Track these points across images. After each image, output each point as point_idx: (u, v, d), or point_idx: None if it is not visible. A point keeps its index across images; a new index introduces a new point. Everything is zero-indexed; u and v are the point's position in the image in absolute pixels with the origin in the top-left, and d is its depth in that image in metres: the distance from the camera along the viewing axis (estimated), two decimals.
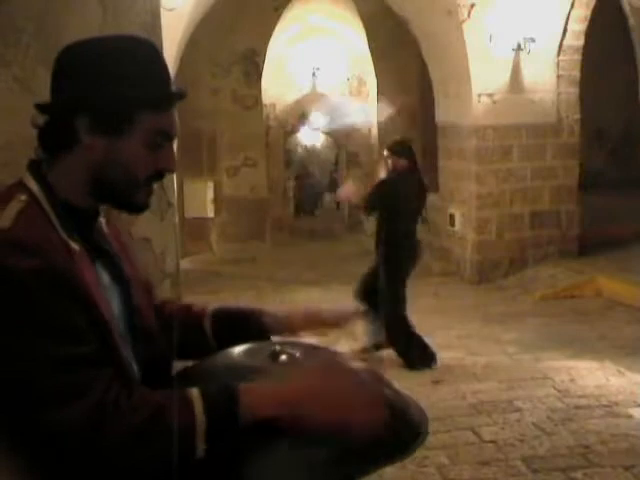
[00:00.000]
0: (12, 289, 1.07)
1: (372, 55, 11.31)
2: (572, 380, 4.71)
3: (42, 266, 1.09)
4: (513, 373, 4.99)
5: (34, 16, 2.05)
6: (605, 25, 9.03)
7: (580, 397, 4.39)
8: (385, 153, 5.51)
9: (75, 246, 1.20)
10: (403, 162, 5.32)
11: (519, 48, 7.87)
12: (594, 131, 10.82)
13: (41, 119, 1.23)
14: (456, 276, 8.56)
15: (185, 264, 8.77)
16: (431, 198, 9.36)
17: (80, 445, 1.07)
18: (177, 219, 3.12)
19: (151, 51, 1.26)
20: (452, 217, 8.66)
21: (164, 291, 2.69)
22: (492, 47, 7.84)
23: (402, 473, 3.37)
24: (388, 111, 6.43)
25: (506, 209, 8.23)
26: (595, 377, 4.76)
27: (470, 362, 5.34)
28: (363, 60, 11.82)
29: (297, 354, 1.30)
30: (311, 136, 12.91)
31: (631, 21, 5.73)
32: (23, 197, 1.18)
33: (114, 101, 1.19)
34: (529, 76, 8.04)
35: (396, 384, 1.34)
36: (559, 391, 4.51)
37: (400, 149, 5.45)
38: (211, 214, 10.89)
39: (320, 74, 12.17)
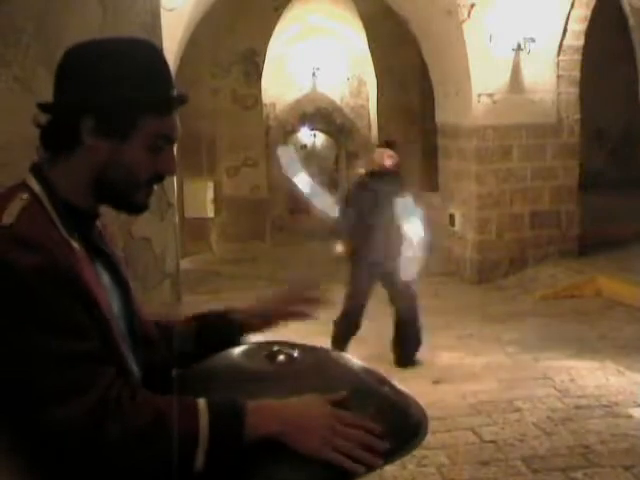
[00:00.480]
0: (15, 285, 1.07)
1: (372, 55, 11.32)
2: (572, 380, 4.71)
3: (45, 262, 1.09)
4: (513, 373, 4.99)
5: (34, 16, 2.05)
6: (605, 25, 9.03)
7: (580, 397, 4.39)
8: (381, 149, 5.50)
9: (76, 245, 1.20)
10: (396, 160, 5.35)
11: (519, 48, 7.87)
12: (594, 131, 10.81)
13: (43, 118, 1.24)
14: (456, 276, 8.56)
15: (185, 264, 8.77)
16: (431, 198, 9.41)
17: (81, 442, 1.07)
18: (177, 219, 3.12)
19: (156, 55, 1.26)
20: (452, 217, 8.66)
21: (164, 291, 2.69)
22: (492, 47, 7.84)
23: (402, 473, 3.37)
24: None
25: (506, 209, 8.23)
26: (595, 377, 4.76)
27: (470, 362, 5.34)
28: (363, 60, 11.82)
29: (295, 354, 1.30)
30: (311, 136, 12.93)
31: (631, 21, 5.73)
32: (25, 195, 1.19)
33: (119, 104, 1.20)
34: (529, 76, 8.04)
35: (396, 383, 1.34)
36: (559, 391, 4.51)
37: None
38: (211, 214, 10.90)
39: (320, 74, 12.17)
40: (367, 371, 1.33)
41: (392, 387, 1.30)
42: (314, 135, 13.14)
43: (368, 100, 12.35)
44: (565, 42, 8.08)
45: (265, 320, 1.55)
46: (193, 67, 9.57)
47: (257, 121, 11.19)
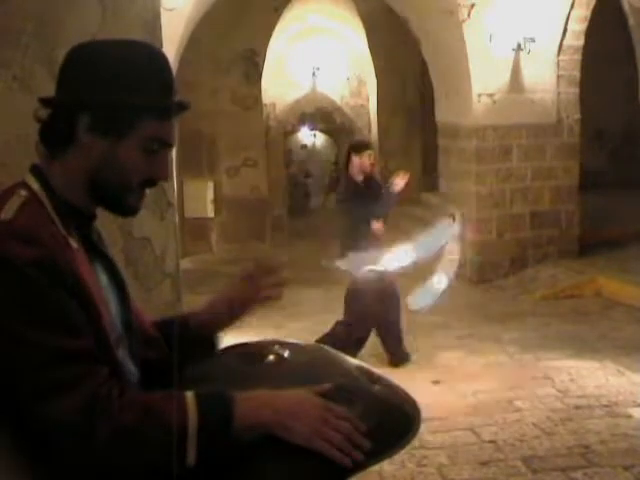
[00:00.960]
0: (12, 279, 1.08)
1: (372, 55, 11.32)
2: (572, 380, 4.70)
3: (43, 257, 1.09)
4: (513, 373, 4.98)
5: (33, 16, 2.05)
6: (605, 25, 9.02)
7: (580, 397, 4.38)
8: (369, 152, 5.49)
9: (74, 244, 1.20)
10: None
11: (519, 48, 7.87)
12: (594, 131, 10.81)
13: (44, 113, 1.24)
14: (456, 276, 8.55)
15: (185, 264, 8.77)
16: (431, 198, 9.40)
17: (72, 439, 1.07)
18: (177, 219, 3.12)
19: (160, 60, 1.27)
20: (452, 217, 8.64)
21: (164, 291, 2.69)
22: (492, 47, 7.84)
23: (402, 472, 3.37)
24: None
25: (506, 209, 8.22)
26: (595, 377, 4.75)
27: (470, 362, 5.34)
28: (363, 60, 11.83)
29: (285, 354, 1.30)
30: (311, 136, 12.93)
31: (631, 21, 5.73)
32: (24, 192, 1.19)
33: (118, 104, 1.21)
34: (529, 76, 8.04)
35: (390, 377, 1.34)
36: (559, 391, 4.51)
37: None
38: (211, 214, 10.90)
39: (320, 74, 12.17)
40: (360, 369, 1.33)
41: (385, 384, 1.30)
42: (314, 135, 13.14)
43: (368, 100, 12.35)
44: (565, 42, 8.08)
45: (232, 313, 1.52)
46: (193, 67, 9.57)
47: (257, 121, 11.19)
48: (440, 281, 5.30)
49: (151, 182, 1.29)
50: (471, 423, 4.02)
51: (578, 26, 8.07)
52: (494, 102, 8.02)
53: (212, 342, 1.49)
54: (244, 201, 11.06)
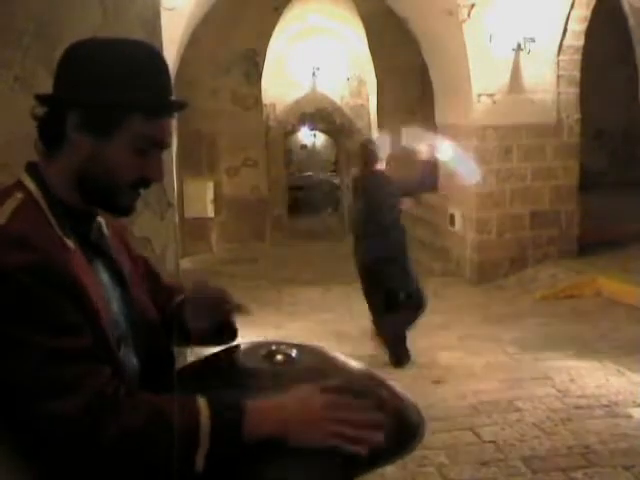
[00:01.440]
0: (6, 284, 1.07)
1: (372, 55, 11.31)
2: (572, 380, 4.70)
3: (37, 261, 1.09)
4: (513, 373, 4.98)
5: (34, 16, 2.05)
6: (605, 25, 9.03)
7: (580, 397, 4.39)
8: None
9: (71, 244, 1.20)
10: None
11: (519, 48, 7.87)
12: (594, 131, 10.81)
13: (40, 111, 1.24)
14: (456, 276, 8.56)
15: (185, 264, 8.77)
16: (431, 198, 9.40)
17: (78, 440, 1.07)
18: (177, 219, 3.12)
19: (154, 58, 1.26)
20: (452, 217, 8.66)
21: None
22: (492, 47, 7.84)
23: (402, 473, 3.37)
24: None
25: (506, 209, 8.23)
26: (595, 377, 4.75)
27: (470, 362, 5.34)
28: (363, 60, 11.82)
29: (293, 354, 1.30)
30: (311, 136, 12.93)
31: (631, 21, 5.72)
32: (20, 195, 1.19)
33: (104, 102, 1.20)
34: (529, 76, 8.04)
35: (395, 384, 1.34)
36: (559, 391, 4.51)
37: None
38: (211, 214, 10.90)
39: (320, 74, 12.17)
40: (365, 373, 1.33)
41: (389, 389, 1.30)
42: (314, 135, 13.14)
43: (368, 100, 12.35)
44: (565, 42, 8.08)
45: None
46: (193, 67, 9.58)
47: (257, 121, 11.19)
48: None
49: (144, 183, 1.27)
50: (471, 423, 4.02)
51: (578, 26, 8.07)
52: (494, 102, 8.02)
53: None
54: (244, 201, 11.07)
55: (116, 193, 1.24)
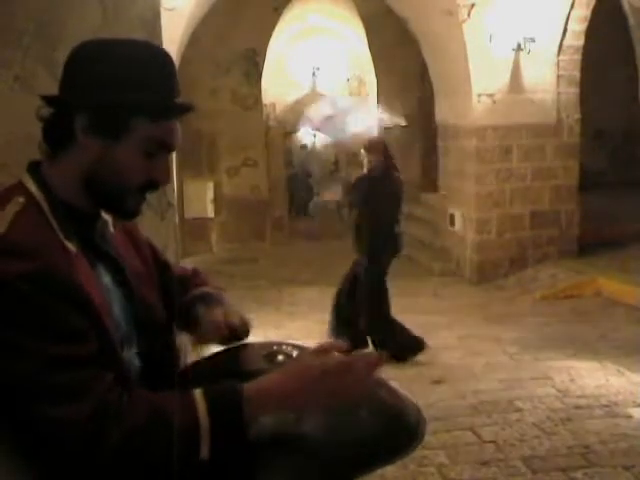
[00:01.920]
0: (8, 293, 1.07)
1: (372, 55, 11.31)
2: (572, 380, 4.70)
3: (37, 269, 1.09)
4: (513, 373, 4.99)
5: (34, 16, 2.06)
6: (605, 25, 9.03)
7: (580, 397, 4.39)
8: (362, 152, 5.66)
9: (72, 247, 1.19)
10: (379, 160, 5.41)
11: (519, 48, 7.87)
12: (594, 131, 10.81)
13: (46, 112, 1.23)
14: (456, 276, 8.56)
15: (185, 264, 8.76)
16: (431, 198, 9.40)
17: (82, 445, 1.07)
18: (177, 219, 3.12)
19: (163, 60, 1.25)
20: (452, 217, 8.65)
21: None
22: (492, 47, 7.84)
23: (402, 472, 3.37)
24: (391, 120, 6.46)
25: (506, 209, 8.23)
26: (595, 377, 4.75)
27: (470, 362, 5.34)
28: (363, 60, 11.82)
29: (294, 354, 1.30)
30: (311, 136, 12.92)
31: (631, 21, 5.72)
32: (21, 199, 1.18)
33: (113, 104, 1.19)
34: (529, 76, 8.04)
35: (395, 384, 1.33)
36: (559, 391, 4.51)
37: (374, 147, 5.55)
38: (211, 214, 10.89)
39: (320, 74, 12.16)
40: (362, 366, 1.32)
41: (389, 390, 1.30)
42: (314, 135, 13.12)
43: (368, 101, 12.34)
44: (565, 42, 8.08)
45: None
46: (193, 67, 9.57)
47: (257, 121, 11.18)
48: None
49: (152, 186, 1.27)
50: (471, 423, 4.02)
51: (578, 26, 8.07)
52: (494, 102, 8.02)
53: None
54: (244, 201, 11.06)
55: (124, 196, 1.24)
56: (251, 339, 1.46)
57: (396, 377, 1.38)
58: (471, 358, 5.45)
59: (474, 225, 8.21)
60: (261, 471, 1.14)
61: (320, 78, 12.19)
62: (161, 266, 1.51)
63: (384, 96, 11.40)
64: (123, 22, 2.36)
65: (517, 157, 8.21)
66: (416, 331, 5.54)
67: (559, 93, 8.21)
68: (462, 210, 8.45)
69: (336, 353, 1.20)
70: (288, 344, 1.35)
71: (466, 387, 4.66)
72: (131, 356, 1.28)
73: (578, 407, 4.21)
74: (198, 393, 1.14)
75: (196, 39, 8.71)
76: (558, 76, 8.16)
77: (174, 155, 1.33)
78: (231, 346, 1.43)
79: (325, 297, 6.90)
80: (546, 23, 7.91)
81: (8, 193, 1.21)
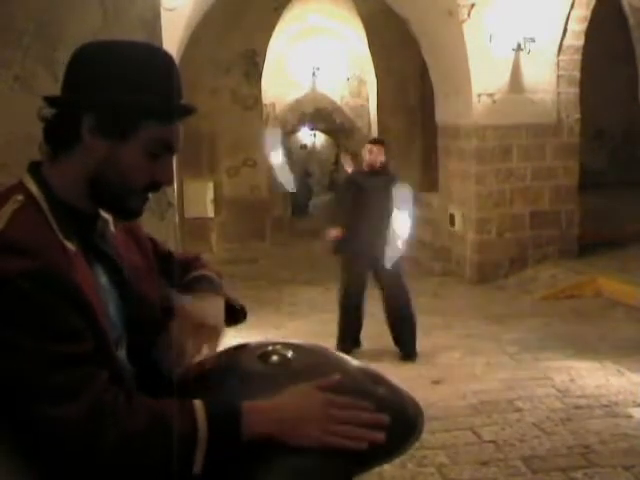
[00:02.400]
0: (6, 291, 1.07)
1: (372, 55, 11.31)
2: (572, 380, 4.71)
3: (35, 267, 1.09)
4: (513, 373, 4.99)
5: (34, 17, 2.06)
6: (605, 25, 9.03)
7: (580, 397, 4.39)
8: (369, 147, 5.60)
9: (71, 247, 1.19)
10: (382, 157, 5.48)
11: (519, 48, 7.87)
12: (594, 131, 10.82)
13: (48, 112, 1.23)
14: (456, 276, 8.56)
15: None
16: (431, 198, 9.40)
17: (78, 445, 1.07)
18: (177, 219, 3.12)
19: (167, 62, 1.26)
20: (452, 217, 8.65)
21: None
22: (492, 47, 7.84)
23: (402, 472, 3.37)
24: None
25: (506, 209, 8.23)
26: (595, 377, 4.75)
27: (470, 362, 5.34)
28: (363, 60, 11.82)
29: (289, 355, 1.30)
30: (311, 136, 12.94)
31: (631, 21, 5.73)
32: (20, 197, 1.18)
33: (122, 106, 1.20)
34: (529, 76, 8.04)
35: (393, 379, 1.33)
36: (559, 391, 4.51)
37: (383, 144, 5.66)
38: (211, 214, 10.89)
39: (320, 74, 12.17)
40: (363, 371, 1.32)
41: (388, 386, 1.30)
42: (314, 135, 13.14)
43: (368, 100, 12.35)
44: (565, 42, 8.08)
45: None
46: (193, 67, 9.57)
47: (257, 121, 11.19)
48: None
49: (154, 186, 1.27)
50: (471, 423, 4.02)
51: (578, 26, 8.07)
52: (494, 102, 8.02)
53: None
54: (244, 201, 11.06)
55: (127, 196, 1.24)
56: (250, 339, 1.46)
57: (396, 377, 1.38)
58: (471, 358, 5.46)
59: (474, 225, 8.20)
60: (260, 468, 1.14)
61: (320, 78, 12.20)
62: (162, 257, 1.51)
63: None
64: (123, 22, 2.36)
65: (517, 157, 8.22)
66: (417, 331, 5.56)
67: (559, 93, 8.21)
68: (462, 210, 8.45)
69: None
70: (283, 344, 1.35)
71: (466, 387, 4.66)
72: (123, 356, 1.29)
73: (578, 407, 4.21)
74: (199, 404, 1.14)
75: (196, 39, 8.70)
76: (558, 76, 8.16)
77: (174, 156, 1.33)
78: (225, 348, 1.43)
79: (326, 297, 6.91)
80: (546, 23, 7.91)
81: (8, 192, 1.21)
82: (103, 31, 2.22)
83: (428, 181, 10.40)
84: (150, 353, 1.34)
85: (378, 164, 5.46)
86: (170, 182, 1.30)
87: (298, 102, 12.34)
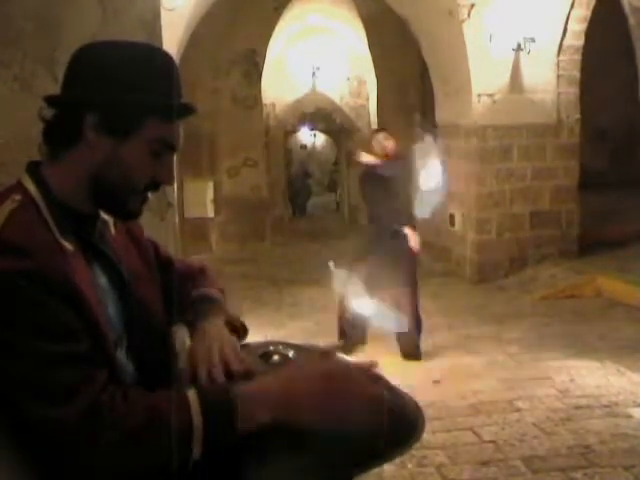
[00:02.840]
0: (3, 290, 1.07)
1: (372, 55, 11.31)
2: (572, 380, 4.70)
3: (31, 267, 1.09)
4: (513, 373, 4.98)
5: (34, 16, 2.05)
6: (605, 25, 9.03)
7: (580, 397, 4.38)
8: (383, 135, 5.63)
9: (69, 247, 1.19)
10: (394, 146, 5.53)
11: (519, 48, 7.87)
12: (595, 131, 10.81)
13: (48, 112, 1.23)
14: (456, 276, 8.55)
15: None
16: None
17: (75, 445, 1.07)
18: (177, 219, 3.12)
19: (167, 62, 1.27)
20: (452, 217, 8.65)
21: None
22: (492, 47, 7.84)
23: (401, 472, 3.37)
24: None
25: (506, 209, 8.23)
26: (595, 377, 4.75)
27: (470, 362, 5.34)
28: (363, 60, 11.82)
29: (290, 354, 1.30)
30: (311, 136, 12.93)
31: (631, 21, 5.72)
32: (18, 197, 1.18)
33: (126, 104, 1.20)
34: (529, 76, 8.04)
35: (393, 380, 1.33)
36: (559, 391, 4.51)
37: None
38: (211, 214, 10.90)
39: (320, 74, 12.16)
40: (363, 372, 1.32)
41: (388, 387, 1.30)
42: (314, 135, 13.14)
43: (368, 100, 12.34)
44: (565, 42, 8.09)
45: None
46: (193, 67, 9.57)
47: (257, 121, 11.19)
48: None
49: (154, 185, 1.28)
50: (471, 423, 4.02)
51: (578, 26, 8.08)
52: (494, 102, 8.02)
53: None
54: (244, 201, 11.06)
55: (129, 196, 1.25)
56: (250, 339, 1.46)
57: (396, 377, 1.38)
58: (471, 358, 5.45)
59: (474, 225, 8.20)
60: (261, 468, 1.14)
61: (320, 78, 12.20)
62: (164, 263, 1.51)
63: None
64: (123, 22, 2.36)
65: (517, 157, 8.22)
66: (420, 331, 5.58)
67: (559, 93, 8.21)
68: (462, 210, 8.45)
69: (339, 357, 1.20)
70: (284, 344, 1.35)
71: (466, 387, 4.66)
72: (123, 357, 1.28)
73: (578, 407, 4.21)
74: (192, 392, 1.14)
75: (196, 39, 8.70)
76: (558, 76, 8.16)
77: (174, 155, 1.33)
78: None
79: (326, 297, 6.91)
80: (546, 23, 7.91)
81: (6, 192, 1.21)
82: (103, 31, 2.22)
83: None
84: (150, 353, 1.34)
85: (394, 151, 5.51)
86: (171, 181, 1.30)
87: (298, 102, 12.34)
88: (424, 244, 8.73)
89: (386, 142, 5.51)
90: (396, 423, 1.22)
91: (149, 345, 1.34)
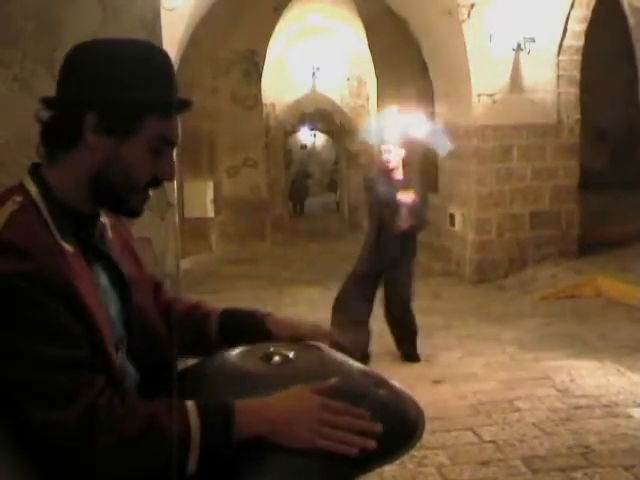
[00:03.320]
0: (3, 292, 1.07)
1: (372, 55, 11.32)
2: (572, 380, 4.70)
3: (32, 269, 1.08)
4: (513, 373, 4.98)
5: (34, 16, 2.06)
6: (605, 25, 9.03)
7: (580, 397, 4.39)
8: (392, 147, 5.38)
9: (69, 248, 1.19)
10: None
11: (519, 48, 7.88)
12: (595, 131, 10.81)
13: (45, 114, 1.23)
14: (456, 276, 8.56)
15: (185, 264, 8.77)
16: (431, 198, 9.40)
17: (73, 448, 1.07)
18: (177, 219, 3.12)
19: (164, 58, 1.27)
20: (452, 217, 8.66)
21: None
22: (492, 47, 7.84)
23: (402, 472, 3.37)
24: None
25: (506, 209, 8.23)
26: (595, 377, 4.75)
27: (470, 362, 5.34)
28: (363, 60, 11.83)
29: (290, 355, 1.29)
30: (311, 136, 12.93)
31: (631, 21, 5.73)
32: (18, 199, 1.18)
33: (125, 102, 1.20)
34: (529, 76, 8.04)
35: (395, 381, 1.33)
36: (559, 391, 4.51)
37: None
38: (211, 214, 10.91)
39: (320, 74, 12.18)
40: (364, 372, 1.32)
41: (389, 388, 1.29)
42: (314, 135, 13.14)
43: (368, 100, 12.35)
44: (565, 42, 8.09)
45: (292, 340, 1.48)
46: (193, 67, 9.58)
47: (257, 121, 11.20)
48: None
49: (156, 182, 1.28)
50: (471, 423, 4.02)
51: (578, 26, 8.08)
52: (494, 102, 8.02)
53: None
54: (244, 201, 11.07)
55: (130, 194, 1.25)
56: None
57: (397, 377, 1.38)
58: (471, 358, 5.45)
59: (474, 225, 8.21)
60: (259, 470, 1.14)
61: (320, 78, 12.21)
62: (163, 305, 1.50)
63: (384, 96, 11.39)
64: (123, 22, 2.36)
65: (517, 157, 8.22)
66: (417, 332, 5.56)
67: (559, 93, 8.21)
68: (462, 210, 8.45)
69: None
70: (286, 345, 1.35)
71: (466, 387, 4.66)
72: (123, 359, 1.28)
73: (578, 407, 4.21)
74: (191, 406, 1.14)
75: (196, 39, 8.71)
76: (558, 76, 8.16)
77: (174, 155, 1.33)
78: (227, 349, 1.43)
79: (326, 297, 6.91)
80: (546, 23, 7.91)
81: (7, 194, 1.21)
82: (103, 31, 2.22)
83: (428, 181, 10.40)
84: (150, 355, 1.34)
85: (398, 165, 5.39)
86: (172, 177, 1.30)
87: (298, 102, 12.35)
88: (424, 244, 8.75)
89: (386, 155, 5.27)
90: (397, 424, 1.22)
91: (149, 346, 1.34)
